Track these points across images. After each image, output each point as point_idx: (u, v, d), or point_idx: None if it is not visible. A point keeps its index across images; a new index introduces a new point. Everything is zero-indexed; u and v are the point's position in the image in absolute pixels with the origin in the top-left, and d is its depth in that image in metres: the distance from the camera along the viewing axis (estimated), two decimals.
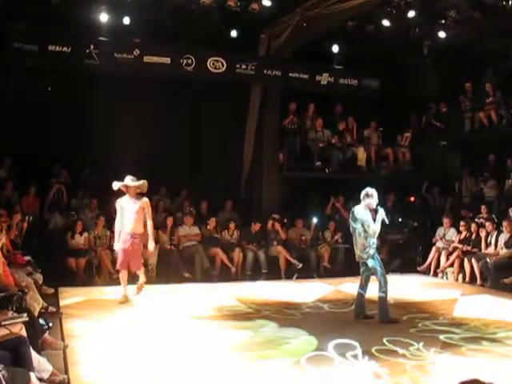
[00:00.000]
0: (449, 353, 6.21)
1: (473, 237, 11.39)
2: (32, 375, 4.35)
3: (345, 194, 13.14)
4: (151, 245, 8.74)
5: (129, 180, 8.42)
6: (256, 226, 11.90)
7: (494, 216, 11.68)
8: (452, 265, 11.39)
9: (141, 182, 8.47)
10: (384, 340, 6.54)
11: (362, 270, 7.83)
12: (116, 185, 8.46)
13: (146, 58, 12.01)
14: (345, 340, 6.48)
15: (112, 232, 9.90)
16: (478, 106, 13.50)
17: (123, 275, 8.61)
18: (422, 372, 5.56)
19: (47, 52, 11.29)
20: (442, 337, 6.84)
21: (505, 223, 10.81)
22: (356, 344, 6.34)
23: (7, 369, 4.08)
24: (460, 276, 11.17)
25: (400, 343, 6.46)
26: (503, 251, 10.63)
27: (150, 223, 8.58)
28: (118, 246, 8.63)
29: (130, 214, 8.40)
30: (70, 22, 11.14)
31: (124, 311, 8.07)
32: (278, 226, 12.08)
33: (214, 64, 12.47)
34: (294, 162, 13.52)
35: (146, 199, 8.52)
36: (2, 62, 11.00)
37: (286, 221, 12.57)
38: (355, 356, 5.98)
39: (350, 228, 7.76)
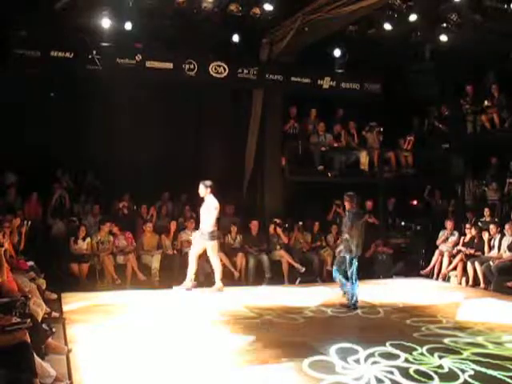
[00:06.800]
0: (453, 357, 6.18)
1: (476, 240, 11.39)
2: (35, 381, 4.35)
3: None
4: None
5: None
6: (253, 226, 11.85)
7: (496, 219, 11.66)
8: (455, 268, 11.38)
9: None
10: (387, 344, 6.53)
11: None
12: None
13: (148, 64, 12.06)
14: (347, 344, 6.48)
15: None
16: (478, 108, 13.49)
17: None
18: (425, 377, 5.54)
19: (49, 58, 11.33)
20: (446, 341, 6.83)
21: (507, 226, 10.79)
22: (358, 348, 6.34)
23: (11, 374, 4.09)
24: (463, 279, 11.16)
25: (403, 347, 6.45)
26: (506, 254, 10.61)
27: None
28: None
29: None
30: (73, 28, 11.17)
31: (127, 316, 8.07)
32: (279, 230, 12.06)
33: (216, 69, 12.51)
34: (296, 166, 13.47)
35: None
36: (2, 69, 11.01)
37: (287, 225, 12.55)
38: (357, 360, 5.98)
39: (357, 226, 8.53)
